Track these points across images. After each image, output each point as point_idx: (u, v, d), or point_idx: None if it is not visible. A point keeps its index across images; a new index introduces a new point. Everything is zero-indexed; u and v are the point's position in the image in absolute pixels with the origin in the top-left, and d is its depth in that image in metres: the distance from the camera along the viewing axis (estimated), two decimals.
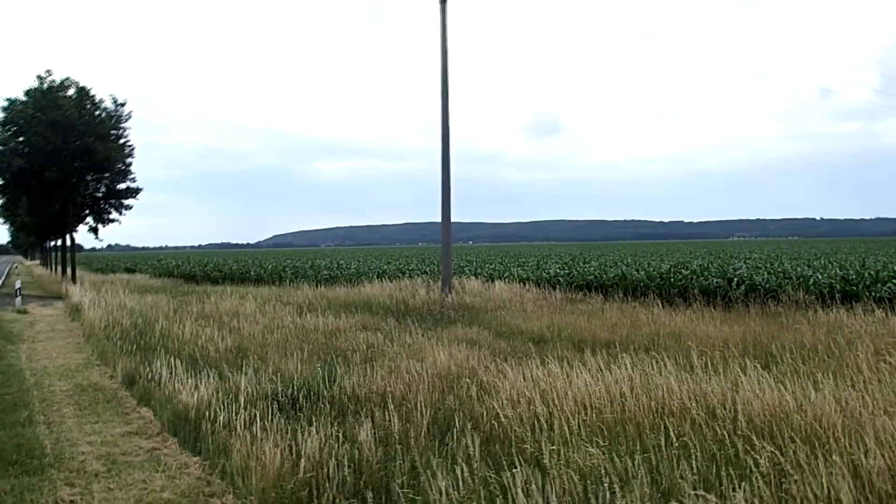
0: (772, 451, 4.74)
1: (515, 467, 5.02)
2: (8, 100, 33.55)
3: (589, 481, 4.73)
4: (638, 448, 5.30)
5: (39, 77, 33.91)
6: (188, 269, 44.83)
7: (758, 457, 4.71)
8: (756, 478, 4.48)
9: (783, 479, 4.53)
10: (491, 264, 36.42)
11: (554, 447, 5.29)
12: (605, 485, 4.55)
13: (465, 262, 40.12)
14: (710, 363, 8.15)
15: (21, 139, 33.35)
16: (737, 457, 4.97)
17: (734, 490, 4.32)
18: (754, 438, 5.06)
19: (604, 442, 5.57)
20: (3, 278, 52.46)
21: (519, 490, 4.46)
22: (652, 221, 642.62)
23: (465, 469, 4.96)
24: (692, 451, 4.98)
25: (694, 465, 4.78)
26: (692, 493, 4.25)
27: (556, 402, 6.73)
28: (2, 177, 34.38)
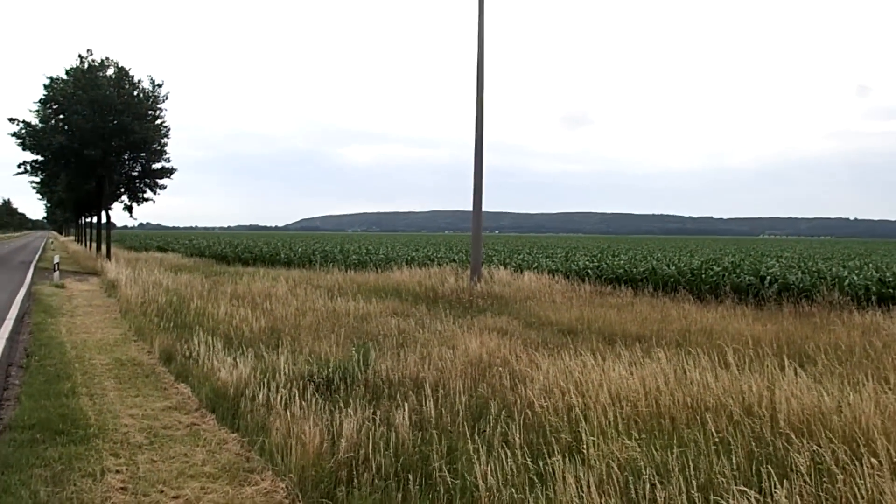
0: (813, 450, 4.74)
1: (552, 456, 5.08)
2: (50, 78, 34.14)
3: (627, 473, 4.77)
4: (675, 442, 5.32)
5: (80, 56, 34.44)
6: (219, 250, 45.38)
7: (798, 455, 4.72)
8: (797, 476, 4.49)
9: (824, 479, 4.53)
10: (519, 254, 36.38)
11: (591, 438, 5.33)
12: (644, 477, 4.58)
13: (494, 251, 40.09)
14: (744, 361, 8.12)
15: (62, 117, 33.95)
16: (776, 454, 4.97)
17: (775, 487, 4.33)
18: (793, 437, 5.06)
19: (640, 435, 5.60)
20: (39, 252, 53.60)
21: (567, 476, 4.52)
22: (681, 216, 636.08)
23: (507, 455, 5.03)
24: (731, 446, 5.00)
25: (733, 461, 4.80)
26: (733, 488, 4.27)
27: (591, 393, 6.77)
28: (42, 153, 35.03)
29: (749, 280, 19.28)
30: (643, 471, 4.75)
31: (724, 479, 4.56)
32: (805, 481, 4.48)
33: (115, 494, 5.35)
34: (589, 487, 4.42)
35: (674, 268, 23.00)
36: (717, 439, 5.29)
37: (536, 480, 4.80)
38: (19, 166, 36.47)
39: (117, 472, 5.83)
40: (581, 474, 4.66)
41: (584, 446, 5.26)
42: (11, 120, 33.75)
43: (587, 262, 27.51)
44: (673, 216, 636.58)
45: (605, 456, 5.07)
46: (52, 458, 6.11)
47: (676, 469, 4.68)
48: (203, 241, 62.86)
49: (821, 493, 4.42)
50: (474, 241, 21.78)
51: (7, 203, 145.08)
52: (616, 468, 4.77)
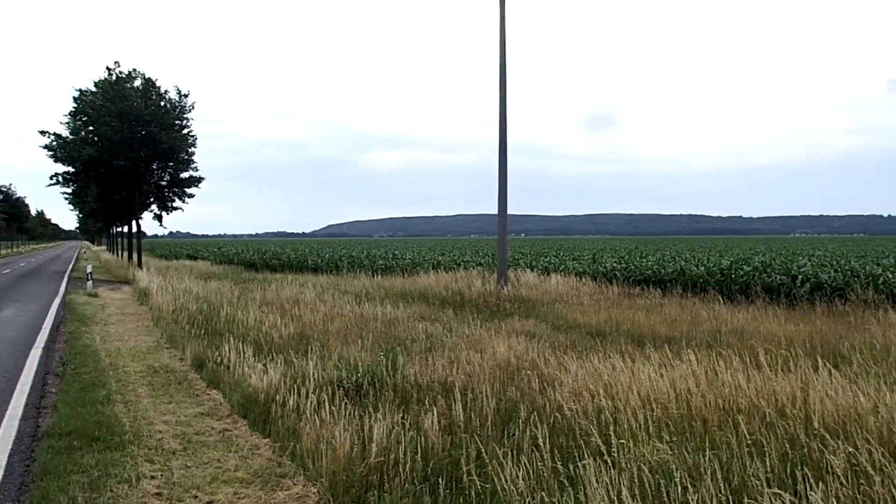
0: (849, 452, 4.66)
1: (582, 459, 5.06)
2: (79, 90, 34.80)
3: (658, 476, 4.74)
4: (706, 444, 5.26)
5: (108, 68, 35.06)
6: (248, 257, 45.84)
7: (833, 457, 4.65)
8: (832, 478, 4.43)
9: (861, 481, 4.46)
10: (546, 257, 36.24)
11: (621, 441, 5.30)
12: (676, 480, 4.55)
13: (520, 254, 39.99)
14: (776, 361, 8.01)
15: (91, 129, 34.57)
16: (811, 456, 4.91)
17: (810, 490, 4.27)
18: (828, 438, 4.99)
19: (671, 438, 5.55)
20: (73, 262, 54.57)
21: (593, 480, 4.50)
22: (709, 216, 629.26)
23: (535, 459, 5.02)
24: (764, 448, 4.94)
25: (767, 463, 4.74)
26: (767, 490, 4.22)
27: (620, 396, 6.73)
28: (73, 165, 35.69)
29: (780, 279, 19.02)
30: (675, 473, 4.71)
31: (757, 482, 4.51)
32: (841, 483, 4.41)
33: (151, 500, 5.44)
34: (619, 491, 4.40)
35: (703, 268, 22.76)
36: (749, 441, 5.23)
37: (567, 484, 4.78)
38: (51, 178, 37.20)
39: (152, 477, 5.92)
40: (612, 477, 4.63)
41: (615, 449, 5.23)
42: (43, 133, 34.45)
43: (614, 264, 27.34)
44: (701, 216, 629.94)
45: (635, 459, 5.04)
46: (89, 464, 6.22)
47: (709, 472, 4.63)
48: (232, 249, 63.55)
49: (857, 496, 4.35)
50: (500, 244, 21.75)
51: (40, 214, 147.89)
52: (647, 471, 4.74)
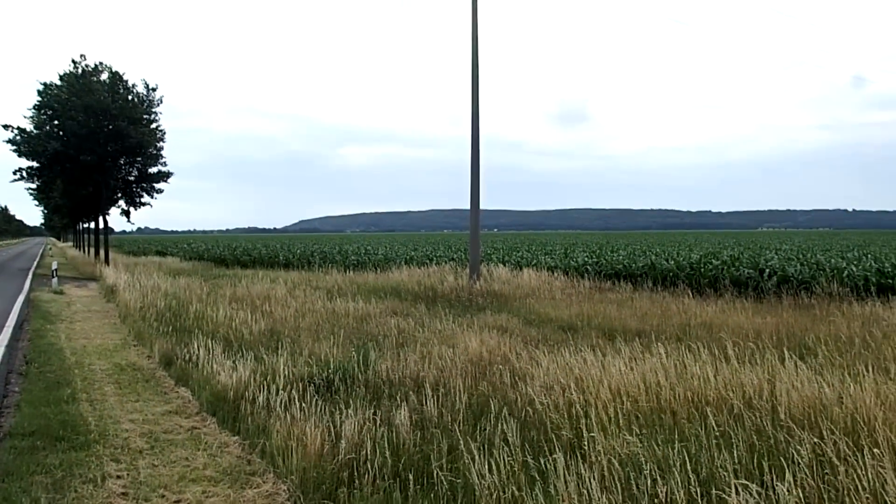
0: (814, 442, 4.73)
1: (553, 453, 5.08)
2: (44, 84, 34.08)
3: (628, 468, 4.77)
4: (675, 437, 5.31)
5: (74, 61, 34.37)
6: (218, 253, 45.33)
7: (799, 447, 4.71)
8: (798, 468, 4.49)
9: (826, 471, 4.53)
10: (518, 252, 36.35)
11: (592, 434, 5.32)
12: (645, 472, 4.57)
13: (492, 249, 40.07)
14: (744, 354, 8.11)
15: (56, 123, 33.89)
16: (777, 447, 4.97)
17: (777, 480, 4.33)
18: (795, 429, 5.06)
19: (641, 430, 5.59)
20: (38, 259, 53.52)
21: (561, 474, 4.51)
22: (679, 211, 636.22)
23: (505, 453, 5.02)
24: (732, 440, 4.99)
25: (735, 455, 4.79)
26: (734, 482, 4.26)
27: (591, 389, 6.76)
28: (37, 159, 34.96)
29: (748, 273, 19.28)
30: (644, 466, 4.74)
31: (725, 473, 4.56)
32: (806, 474, 4.47)
33: (117, 500, 5.35)
34: (590, 483, 4.41)
35: (673, 262, 23.00)
36: (717, 433, 5.28)
37: (538, 478, 4.79)
38: (15, 172, 36.37)
39: (118, 477, 5.82)
40: (582, 470, 4.65)
41: (585, 442, 5.25)
42: (6, 127, 33.70)
43: (586, 258, 27.51)
44: (671, 211, 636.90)
45: (606, 452, 5.06)
46: (53, 464, 6.10)
47: (678, 463, 4.68)
48: (202, 245, 62.75)
49: (822, 486, 4.41)
50: (472, 239, 21.76)
51: (4, 210, 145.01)
52: (617, 464, 4.77)
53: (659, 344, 8.49)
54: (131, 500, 5.35)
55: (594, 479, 4.48)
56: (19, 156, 34.58)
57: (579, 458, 5.02)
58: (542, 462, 5.04)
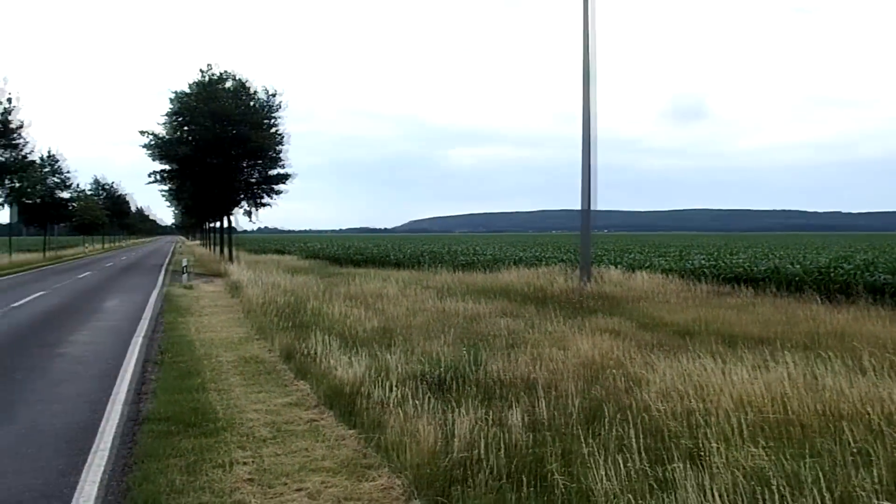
0: None
1: (671, 462, 4.93)
2: (175, 92, 36.34)
3: (754, 482, 4.55)
4: (806, 451, 5.02)
5: (202, 70, 36.44)
6: (332, 252, 46.84)
7: None
8: None
9: None
10: (630, 254, 35.52)
11: (714, 444, 5.12)
12: (773, 487, 4.35)
13: (603, 250, 39.32)
14: (882, 366, 7.57)
15: (186, 128, 36.08)
16: None
17: None
18: None
19: (767, 443, 5.32)
20: (169, 256, 57.16)
21: (683, 484, 4.36)
22: (804, 212, 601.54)
23: (624, 459, 4.91)
24: (872, 458, 4.67)
25: (875, 473, 4.48)
26: (875, 503, 3.99)
27: (712, 398, 6.51)
28: (170, 163, 37.35)
29: (885, 279, 17.97)
30: (772, 480, 4.51)
31: (863, 493, 4.27)
32: None
33: (243, 485, 5.62)
34: (713, 496, 4.24)
35: (798, 266, 21.78)
36: (854, 449, 4.96)
37: (656, 487, 4.65)
38: (150, 175, 39.03)
39: (244, 464, 6.12)
40: (705, 481, 4.48)
41: (707, 453, 5.05)
42: (143, 132, 36.16)
43: (703, 261, 26.52)
44: (795, 211, 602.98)
45: (729, 463, 4.85)
46: (186, 448, 6.49)
47: (809, 480, 4.42)
48: (317, 244, 65.09)
49: None
50: (583, 240, 21.43)
51: (140, 210, 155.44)
52: (742, 477, 4.56)
53: (785, 352, 8.05)
54: (257, 486, 5.60)
55: (718, 491, 4.30)
56: (154, 159, 37.06)
57: (700, 468, 4.84)
58: (660, 471, 4.90)
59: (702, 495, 4.33)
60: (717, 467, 4.73)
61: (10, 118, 33.17)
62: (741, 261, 25.86)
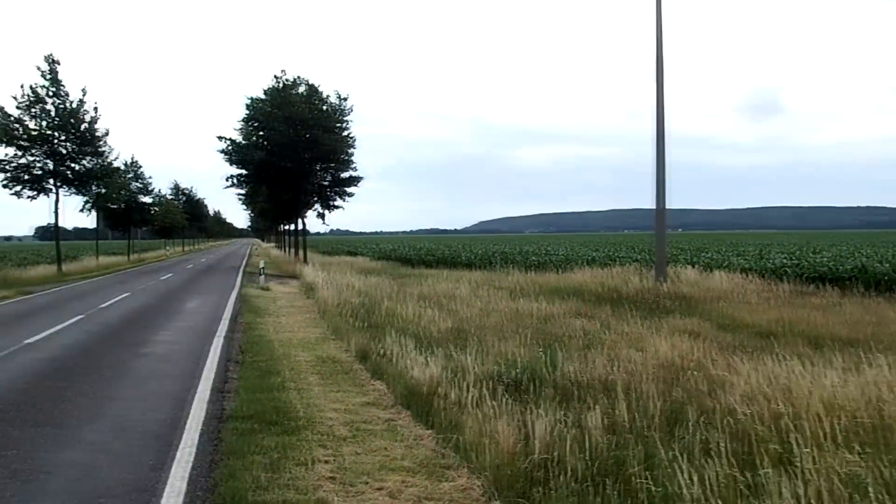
0: None
1: (760, 467, 4.77)
2: (250, 98, 37.40)
3: (850, 490, 4.36)
4: None
5: (275, 76, 37.42)
6: (403, 253, 47.29)
7: None
8: None
9: None
10: (706, 253, 34.59)
11: (806, 450, 4.93)
12: (871, 495, 4.16)
13: (678, 249, 38.42)
14: None
15: (261, 133, 37.09)
16: None
17: None
18: None
19: (862, 448, 5.09)
20: (245, 258, 58.82)
21: (776, 490, 4.22)
22: (891, 208, 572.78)
23: (711, 463, 4.78)
24: None
25: None
26: None
27: (800, 401, 6.27)
28: (246, 167, 38.45)
29: None
30: (869, 488, 4.31)
31: None
32: None
33: (325, 483, 5.72)
34: (808, 502, 4.08)
35: (888, 265, 20.78)
36: None
37: (745, 491, 4.51)
38: (227, 180, 40.27)
39: (325, 462, 6.23)
40: (797, 487, 4.31)
41: (798, 458, 4.87)
42: (220, 138, 37.35)
43: (784, 260, 25.61)
44: (881, 208, 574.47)
45: (822, 469, 4.66)
46: (269, 446, 6.65)
47: None
48: (388, 245, 65.85)
49: None
50: (658, 239, 21.01)
51: (217, 214, 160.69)
52: (838, 483, 4.37)
53: (878, 355, 7.69)
54: (338, 484, 5.70)
55: (814, 497, 4.13)
56: (230, 164, 38.23)
57: (791, 474, 4.66)
58: (749, 475, 4.75)
59: (795, 502, 4.17)
60: (811, 473, 4.54)
61: (95, 127, 34.73)
62: (825, 259, 24.86)
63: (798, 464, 4.83)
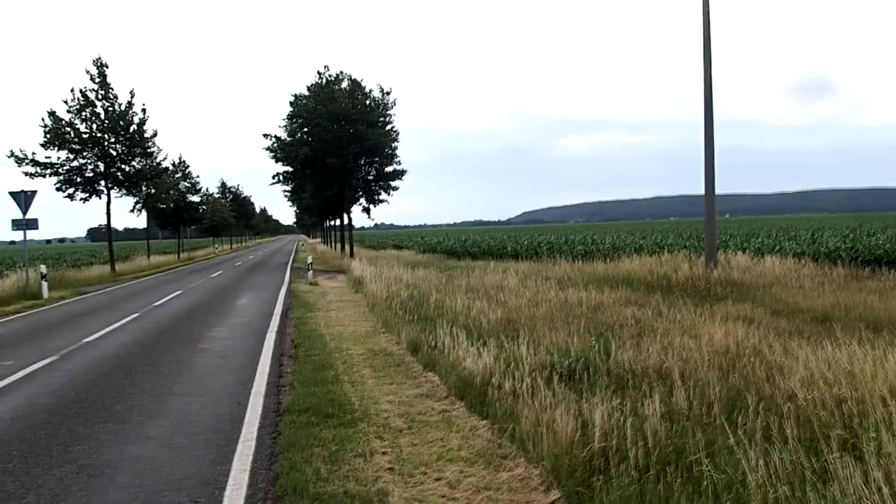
0: None
1: (826, 453, 4.69)
2: (294, 95, 37.86)
3: None
4: None
5: (319, 72, 37.78)
6: (449, 246, 47.30)
7: None
8: None
9: None
10: (756, 238, 33.85)
11: (873, 434, 4.82)
12: None
13: (728, 235, 37.68)
14: None
15: (306, 130, 37.51)
16: None
17: None
18: None
19: None
20: (293, 254, 59.68)
21: (845, 476, 4.14)
22: None
23: (774, 449, 4.72)
24: None
25: None
26: None
27: (864, 386, 6.13)
28: (291, 164, 38.96)
29: None
30: None
31: None
32: None
33: (385, 474, 5.80)
34: (880, 489, 4.00)
35: None
36: None
37: (811, 477, 4.43)
38: (273, 177, 40.89)
39: (383, 453, 6.32)
40: (866, 473, 4.23)
41: (865, 443, 4.76)
42: (266, 136, 37.91)
43: (838, 244, 24.91)
44: None
45: (890, 455, 4.55)
46: (327, 438, 6.77)
47: None
48: (433, 238, 65.93)
49: None
50: (707, 225, 20.63)
51: (263, 211, 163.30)
52: None
53: None
54: (397, 475, 5.78)
55: (886, 482, 4.04)
56: (276, 161, 38.79)
57: (859, 459, 4.57)
58: (814, 461, 4.67)
59: (866, 487, 4.09)
60: (885, 457, 4.44)
61: (143, 128, 35.51)
62: (881, 242, 24.09)
63: (867, 448, 4.73)
